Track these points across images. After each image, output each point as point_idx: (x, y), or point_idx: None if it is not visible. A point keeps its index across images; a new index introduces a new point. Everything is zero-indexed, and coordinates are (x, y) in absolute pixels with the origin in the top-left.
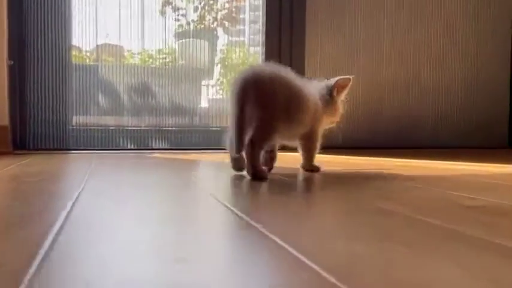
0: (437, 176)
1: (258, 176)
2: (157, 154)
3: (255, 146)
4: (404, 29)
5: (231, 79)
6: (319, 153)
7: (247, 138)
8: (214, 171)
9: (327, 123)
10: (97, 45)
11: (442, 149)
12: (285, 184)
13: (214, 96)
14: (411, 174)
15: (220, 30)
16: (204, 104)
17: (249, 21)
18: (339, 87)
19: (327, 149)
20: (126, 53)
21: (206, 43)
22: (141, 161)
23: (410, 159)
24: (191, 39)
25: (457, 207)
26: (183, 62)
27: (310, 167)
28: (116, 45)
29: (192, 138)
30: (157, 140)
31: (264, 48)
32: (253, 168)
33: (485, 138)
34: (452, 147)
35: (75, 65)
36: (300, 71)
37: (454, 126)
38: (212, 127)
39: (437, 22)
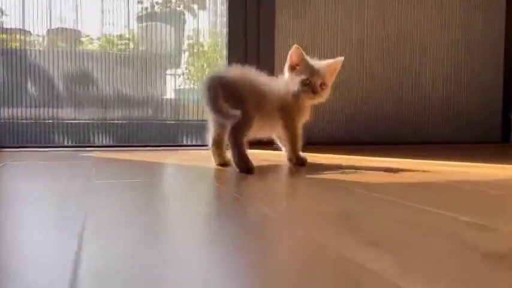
0: (423, 184)
1: (245, 169)
2: (98, 153)
3: (236, 137)
4: (387, 14)
5: (203, 75)
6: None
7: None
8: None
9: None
10: (50, 29)
11: (430, 144)
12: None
13: (182, 86)
14: (387, 181)
15: (188, 14)
16: (169, 94)
17: (220, 4)
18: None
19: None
20: (83, 39)
21: (171, 27)
22: (70, 163)
23: (391, 157)
24: (154, 22)
25: (465, 255)
26: (144, 47)
27: (298, 161)
28: (72, 30)
29: (152, 134)
30: (107, 135)
31: (228, 29)
32: (240, 162)
33: (476, 133)
34: (441, 142)
35: (3, 50)
36: (270, 55)
37: (443, 120)
38: (176, 120)
39: (424, 7)
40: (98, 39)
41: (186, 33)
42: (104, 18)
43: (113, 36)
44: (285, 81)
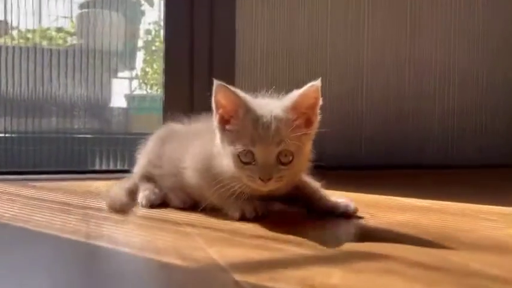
0: None
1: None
2: None
3: None
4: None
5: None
6: None
7: None
8: None
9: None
10: None
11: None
12: None
13: (136, 91)
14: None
15: (145, 4)
16: (117, 102)
17: None
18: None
19: None
20: (13, 32)
21: (122, 18)
22: None
23: (414, 195)
24: (99, 9)
25: None
26: (85, 41)
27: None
28: None
29: (96, 153)
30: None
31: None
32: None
33: (486, 153)
34: (441, 166)
35: None
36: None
37: (444, 137)
38: (122, 134)
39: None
40: (30, 32)
41: (143, 27)
42: (39, 8)
43: (50, 29)
44: (215, 152)
